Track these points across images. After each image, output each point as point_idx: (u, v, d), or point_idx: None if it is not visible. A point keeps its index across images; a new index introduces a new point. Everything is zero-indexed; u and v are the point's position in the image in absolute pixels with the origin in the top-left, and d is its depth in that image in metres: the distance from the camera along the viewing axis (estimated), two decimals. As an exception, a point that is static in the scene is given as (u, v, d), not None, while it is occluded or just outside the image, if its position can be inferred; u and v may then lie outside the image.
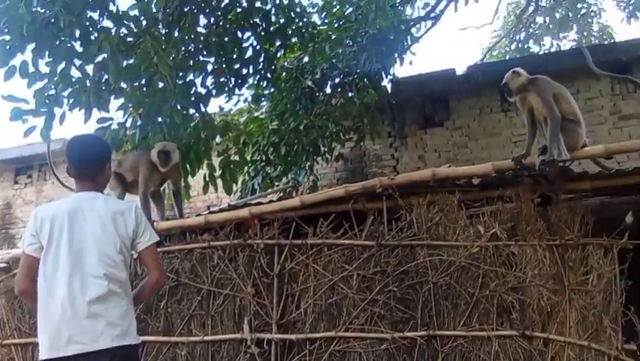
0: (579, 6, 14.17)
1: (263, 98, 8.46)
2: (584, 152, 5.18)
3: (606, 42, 12.89)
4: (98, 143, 3.36)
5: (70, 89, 5.09)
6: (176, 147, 5.78)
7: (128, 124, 6.16)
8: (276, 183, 8.13)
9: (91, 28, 5.11)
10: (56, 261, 2.88)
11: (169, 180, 6.18)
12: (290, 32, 7.40)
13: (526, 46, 14.62)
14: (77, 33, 5.02)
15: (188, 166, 6.63)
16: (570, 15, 14.25)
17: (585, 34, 14.32)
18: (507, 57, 14.08)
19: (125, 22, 5.34)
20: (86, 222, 2.96)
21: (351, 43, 8.12)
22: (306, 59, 8.25)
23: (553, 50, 13.97)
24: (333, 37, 8.21)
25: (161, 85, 5.64)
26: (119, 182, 6.21)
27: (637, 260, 4.93)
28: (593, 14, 14.22)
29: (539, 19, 14.63)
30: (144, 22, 5.37)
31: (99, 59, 5.09)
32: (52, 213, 2.98)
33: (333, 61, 8.04)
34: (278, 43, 7.40)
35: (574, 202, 5.06)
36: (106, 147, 3.34)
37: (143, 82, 5.74)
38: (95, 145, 3.27)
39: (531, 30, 14.59)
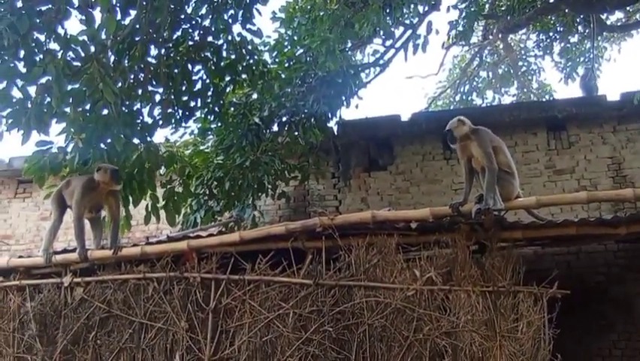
0: (520, 64, 14.83)
1: (209, 132, 8.44)
2: (518, 202, 5.38)
3: (544, 99, 13.48)
4: None
5: (9, 110, 4.95)
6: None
7: (68, 149, 6.02)
8: (219, 218, 8.07)
9: (36, 50, 5.01)
10: None
11: (106, 207, 6.07)
12: (240, 69, 7.43)
13: (469, 98, 15.14)
14: (22, 53, 4.92)
15: (130, 196, 6.52)
16: (511, 71, 14.90)
17: (525, 90, 14.97)
18: (451, 107, 14.52)
19: (72, 46, 5.26)
20: None
21: (300, 84, 8.22)
22: (254, 96, 8.30)
23: (494, 103, 14.54)
24: (283, 76, 8.31)
25: (105, 112, 5.56)
26: (59, 204, 6.06)
27: (565, 309, 5.10)
28: (532, 72, 14.90)
29: (483, 74, 15.23)
30: (92, 48, 5.30)
31: (43, 81, 4.99)
32: None
33: (282, 100, 8.11)
34: (227, 78, 7.42)
35: (507, 251, 5.21)
36: None
37: (87, 108, 5.65)
38: None
39: (474, 83, 15.15)
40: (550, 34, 12.64)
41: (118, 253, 5.67)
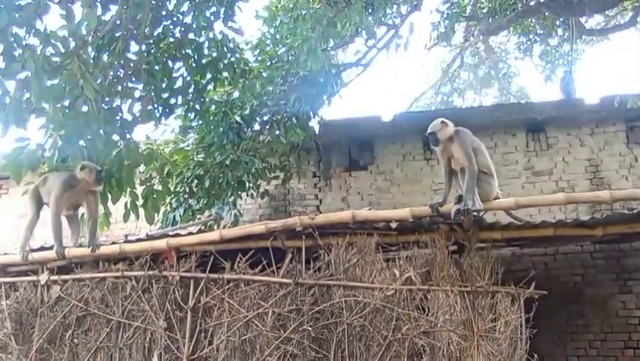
0: (501, 65, 14.97)
1: (190, 130, 8.40)
2: (496, 203, 5.41)
3: (523, 101, 13.62)
4: None
5: (-13, 105, 4.89)
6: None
7: (47, 145, 5.96)
8: (198, 216, 8.03)
9: (15, 45, 4.95)
10: None
11: (85, 205, 6.00)
12: (221, 66, 7.40)
13: (450, 99, 15.26)
14: (0, 48, 4.85)
15: (109, 193, 6.46)
16: (492, 73, 15.03)
17: (505, 92, 15.11)
18: (432, 108, 14.62)
19: (52, 41, 5.20)
20: None
21: (281, 83, 8.22)
22: (236, 94, 8.28)
23: (475, 104, 14.67)
24: (265, 75, 8.29)
25: (85, 108, 5.50)
26: (36, 201, 5.97)
27: (542, 310, 5.16)
28: (512, 74, 15.05)
29: (464, 75, 15.36)
30: (72, 44, 5.25)
31: (22, 76, 4.93)
32: None
33: (263, 98, 8.10)
34: (209, 76, 7.38)
35: (486, 251, 5.25)
36: None
37: (66, 104, 5.59)
38: None
39: (455, 84, 15.25)
40: (531, 36, 12.79)
41: (96, 251, 5.62)
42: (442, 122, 5.47)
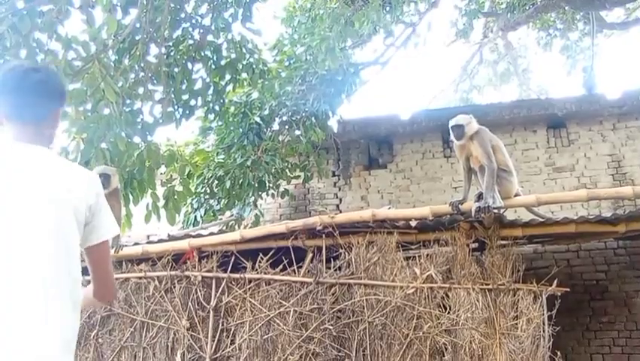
0: (520, 61, 14.84)
1: (210, 131, 8.46)
2: (517, 200, 5.38)
3: (543, 97, 13.50)
4: (52, 75, 2.09)
5: (11, 110, 4.97)
6: (116, 171, 5.64)
7: (70, 148, 6.04)
8: (219, 217, 8.09)
9: (37, 50, 5.04)
10: None
11: None
12: (240, 67, 7.44)
13: (469, 95, 15.16)
14: (23, 54, 4.94)
15: (130, 194, 6.53)
16: (511, 69, 14.91)
17: (525, 87, 14.98)
18: (451, 105, 14.53)
19: (73, 46, 5.28)
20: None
21: (300, 82, 8.25)
22: (255, 95, 8.32)
23: (494, 101, 14.55)
24: (283, 75, 8.33)
25: (106, 111, 5.58)
26: None
27: (565, 307, 5.12)
28: (532, 70, 14.93)
29: (483, 71, 15.25)
30: (93, 48, 5.33)
31: (44, 81, 5.01)
32: None
33: (282, 98, 8.14)
34: (228, 77, 7.42)
35: (507, 248, 5.23)
36: (61, 84, 2.12)
37: (88, 107, 5.67)
38: (47, 75, 2.03)
39: (474, 81, 15.16)
40: (551, 31, 12.66)
41: (119, 252, 5.67)
42: (470, 116, 5.40)
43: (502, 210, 5.29)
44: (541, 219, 5.59)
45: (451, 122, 5.40)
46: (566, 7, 10.47)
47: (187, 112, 7.12)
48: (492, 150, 5.26)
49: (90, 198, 1.92)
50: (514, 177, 5.45)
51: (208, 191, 8.05)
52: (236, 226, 7.75)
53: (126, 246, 5.93)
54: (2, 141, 1.91)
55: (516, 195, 5.41)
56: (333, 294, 5.14)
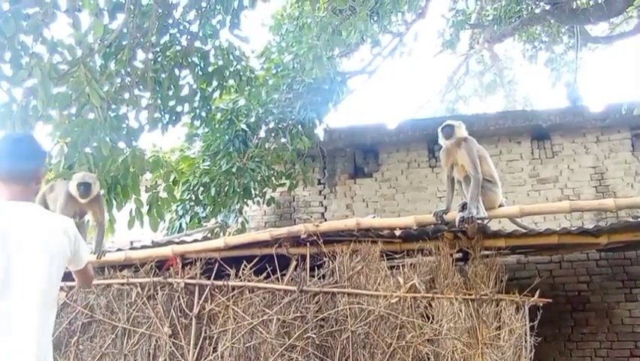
0: (506, 73, 14.97)
1: (196, 138, 8.43)
2: (501, 211, 5.41)
3: (528, 109, 13.61)
4: (33, 140, 2.62)
5: (-5, 112, 4.94)
6: (96, 178, 5.61)
7: (54, 152, 6.00)
8: (204, 224, 8.06)
9: (22, 53, 5.00)
10: None
11: (90, 213, 6.00)
12: (227, 74, 7.42)
13: (455, 106, 15.25)
14: (7, 56, 4.90)
15: (114, 200, 6.49)
16: (497, 80, 15.03)
17: (510, 99, 15.10)
18: (437, 115, 14.61)
19: (59, 49, 5.25)
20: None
21: (287, 90, 8.26)
22: (241, 102, 8.31)
23: (480, 112, 14.64)
24: (270, 82, 8.33)
25: (91, 116, 5.54)
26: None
27: (547, 318, 5.15)
28: (517, 82, 15.04)
29: (469, 82, 15.34)
30: (79, 52, 5.29)
31: (28, 84, 4.97)
32: None
33: (269, 106, 8.14)
34: (215, 84, 7.39)
35: (490, 259, 5.26)
36: (42, 148, 2.65)
37: (72, 111, 5.63)
38: (30, 142, 2.55)
39: (460, 91, 15.25)
40: (536, 43, 12.77)
41: (102, 258, 5.63)
42: (461, 123, 5.43)
43: (485, 221, 5.31)
44: (524, 230, 5.62)
45: (442, 125, 5.44)
46: (552, 21, 10.58)
47: (173, 118, 7.09)
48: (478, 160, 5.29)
49: (71, 241, 2.48)
50: (499, 188, 5.48)
51: (193, 198, 8.01)
52: (221, 233, 7.72)
53: (109, 252, 5.89)
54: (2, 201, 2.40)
55: (500, 206, 5.44)
56: (316, 302, 5.14)
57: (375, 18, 8.79)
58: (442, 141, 5.48)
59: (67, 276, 5.47)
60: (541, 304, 5.17)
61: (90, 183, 5.46)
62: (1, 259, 2.24)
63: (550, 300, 5.26)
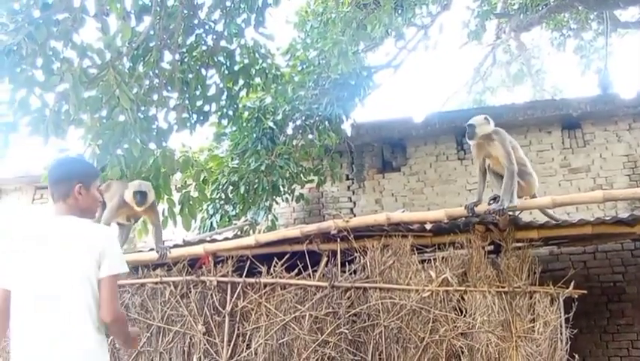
0: (533, 62, 14.77)
1: (224, 137, 8.50)
2: (532, 202, 5.35)
3: (557, 98, 13.42)
4: (68, 162, 3.11)
5: (28, 117, 5.04)
6: (151, 186, 5.67)
7: (86, 155, 6.10)
8: (235, 222, 8.12)
9: (53, 58, 5.10)
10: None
11: (145, 217, 6.05)
12: (253, 72, 7.47)
13: (482, 97, 15.10)
14: (39, 62, 5.00)
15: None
16: (525, 70, 14.83)
17: (538, 88, 14.90)
18: (464, 107, 14.48)
19: (88, 53, 5.34)
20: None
21: (313, 87, 8.28)
22: (268, 100, 8.36)
23: (508, 102, 14.49)
24: (296, 79, 8.36)
25: (121, 118, 5.63)
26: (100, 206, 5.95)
27: (582, 309, 5.08)
28: (545, 71, 14.83)
29: (496, 73, 15.18)
30: (108, 55, 5.38)
31: (60, 89, 5.07)
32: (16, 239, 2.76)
33: (296, 103, 8.17)
34: (241, 82, 7.45)
35: (522, 251, 5.19)
36: (76, 166, 3.00)
37: (103, 114, 5.72)
38: (64, 164, 2.99)
39: (488, 82, 15.10)
40: (564, 31, 12.58)
41: (165, 258, 5.60)
42: (485, 117, 5.35)
43: (517, 212, 5.24)
44: (556, 222, 5.55)
45: (468, 123, 5.39)
46: (580, 7, 10.41)
47: (201, 118, 7.16)
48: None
49: (104, 246, 2.70)
50: (534, 176, 5.43)
51: (223, 197, 8.08)
52: (251, 231, 7.77)
53: (142, 251, 5.97)
54: (48, 216, 2.87)
55: (533, 197, 5.38)
56: (348, 298, 5.14)
57: (400, 11, 8.76)
58: (467, 140, 5.46)
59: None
60: (575, 296, 5.09)
61: (146, 191, 5.51)
62: (39, 262, 2.64)
63: (584, 291, 5.17)
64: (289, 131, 8.41)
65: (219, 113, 7.46)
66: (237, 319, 5.34)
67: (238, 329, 5.31)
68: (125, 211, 5.73)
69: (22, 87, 4.97)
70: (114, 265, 2.70)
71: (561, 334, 4.97)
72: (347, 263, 5.34)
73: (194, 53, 6.85)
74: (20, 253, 2.69)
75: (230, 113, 7.61)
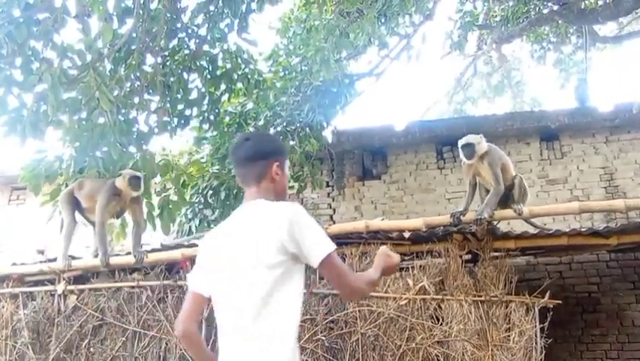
0: (514, 74, 14.93)
1: (205, 141, 8.47)
2: (509, 212, 5.38)
3: (537, 109, 13.57)
4: (259, 137, 2.77)
5: (5, 117, 4.98)
6: (144, 175, 5.74)
7: (65, 157, 6.05)
8: (213, 227, 8.05)
9: (33, 58, 5.05)
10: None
11: (129, 212, 6.00)
12: (236, 77, 7.46)
13: (463, 107, 15.23)
14: (18, 62, 4.95)
15: (124, 203, 6.52)
16: (505, 81, 14.99)
17: (518, 100, 15.06)
18: (445, 117, 14.58)
19: (69, 54, 5.30)
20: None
21: (295, 93, 8.28)
22: (250, 105, 8.35)
23: (488, 113, 14.62)
24: (278, 85, 8.36)
25: (101, 120, 5.59)
26: (70, 206, 5.91)
27: (557, 319, 5.13)
28: (525, 83, 15.01)
29: (476, 83, 15.31)
30: (89, 57, 5.34)
31: (39, 89, 5.02)
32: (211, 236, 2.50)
33: (277, 109, 8.17)
34: (223, 87, 7.43)
35: (499, 260, 5.24)
36: (270, 141, 2.66)
37: (83, 116, 5.68)
38: (255, 140, 2.53)
39: (468, 93, 15.22)
40: (544, 44, 12.73)
41: (143, 262, 5.55)
42: (480, 136, 5.43)
43: (495, 223, 5.30)
44: (536, 228, 5.62)
45: (462, 142, 5.41)
46: (560, 21, 10.55)
47: (182, 122, 7.13)
48: (502, 169, 5.31)
49: (289, 232, 2.25)
50: (528, 194, 5.54)
51: (202, 201, 8.04)
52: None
53: (119, 255, 5.91)
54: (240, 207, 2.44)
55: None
56: (326, 305, 5.13)
57: (383, 20, 8.80)
58: (463, 158, 5.48)
59: (77, 279, 5.47)
60: (551, 306, 5.15)
61: (140, 176, 5.57)
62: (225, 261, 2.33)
63: (560, 301, 5.24)
64: (270, 137, 8.39)
65: (200, 117, 7.43)
66: (214, 324, 5.30)
67: (214, 335, 5.28)
68: (114, 205, 5.71)
69: (0, 87, 4.91)
70: (320, 242, 2.37)
71: (536, 343, 5.02)
72: (325, 270, 5.34)
73: (176, 57, 6.82)
74: (206, 253, 2.47)
75: (212, 117, 7.58)
